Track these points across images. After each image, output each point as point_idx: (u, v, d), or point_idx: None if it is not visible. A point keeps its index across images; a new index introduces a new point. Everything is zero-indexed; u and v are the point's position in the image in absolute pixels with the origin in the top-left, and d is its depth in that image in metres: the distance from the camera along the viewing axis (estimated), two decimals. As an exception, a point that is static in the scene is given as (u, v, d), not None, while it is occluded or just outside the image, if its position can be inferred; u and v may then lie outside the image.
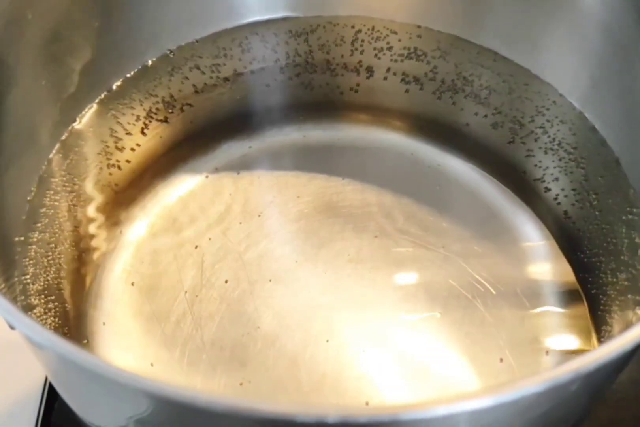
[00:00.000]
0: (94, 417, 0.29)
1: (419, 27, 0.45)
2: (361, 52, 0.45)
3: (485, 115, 0.42)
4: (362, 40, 0.45)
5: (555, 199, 0.39)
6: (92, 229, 0.39)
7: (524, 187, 0.40)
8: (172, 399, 0.19)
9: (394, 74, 0.44)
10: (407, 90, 0.44)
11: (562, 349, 0.35)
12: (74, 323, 0.36)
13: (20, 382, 0.38)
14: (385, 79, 0.45)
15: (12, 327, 0.22)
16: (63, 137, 0.40)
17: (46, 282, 0.36)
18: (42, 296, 0.35)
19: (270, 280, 0.38)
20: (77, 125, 0.41)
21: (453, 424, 0.21)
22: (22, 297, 0.34)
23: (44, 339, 0.21)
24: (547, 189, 0.40)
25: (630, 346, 0.20)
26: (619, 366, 0.26)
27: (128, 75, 0.43)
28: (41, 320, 0.34)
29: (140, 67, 0.44)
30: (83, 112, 0.42)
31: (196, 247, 0.39)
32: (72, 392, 0.28)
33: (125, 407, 0.24)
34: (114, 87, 0.43)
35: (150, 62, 0.44)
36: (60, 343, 0.21)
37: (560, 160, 0.40)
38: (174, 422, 0.23)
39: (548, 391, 0.20)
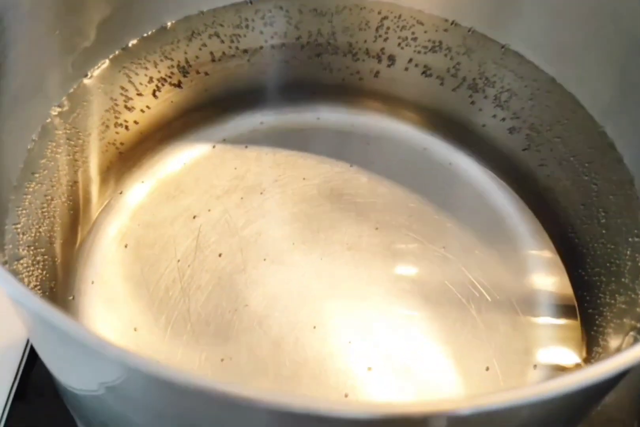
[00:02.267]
0: (67, 378, 0.28)
1: (446, 20, 0.44)
2: (385, 40, 0.44)
3: (503, 119, 0.42)
4: (388, 28, 0.44)
5: (564, 212, 0.39)
6: (91, 186, 0.38)
7: (533, 196, 0.40)
8: (140, 371, 0.19)
9: (416, 65, 0.44)
10: (427, 84, 0.43)
11: (551, 364, 0.35)
12: (62, 278, 0.35)
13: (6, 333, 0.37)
14: (406, 69, 0.44)
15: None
16: (72, 90, 0.39)
17: (37, 234, 0.35)
18: (32, 248, 0.34)
19: (264, 259, 0.37)
20: (87, 80, 0.40)
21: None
22: (10, 246, 0.33)
23: (18, 294, 0.20)
24: (557, 201, 0.39)
25: (614, 372, 0.20)
26: (602, 390, 0.26)
27: (145, 35, 0.42)
28: (28, 271, 0.33)
29: (158, 28, 0.43)
30: (95, 67, 0.40)
31: (194, 217, 0.38)
32: (47, 351, 0.28)
33: (97, 373, 0.23)
34: (130, 45, 0.42)
35: (169, 25, 0.43)
36: (35, 300, 0.20)
37: (573, 173, 0.39)
38: (144, 394, 0.23)
39: (525, 407, 0.19)
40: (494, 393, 0.19)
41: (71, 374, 0.27)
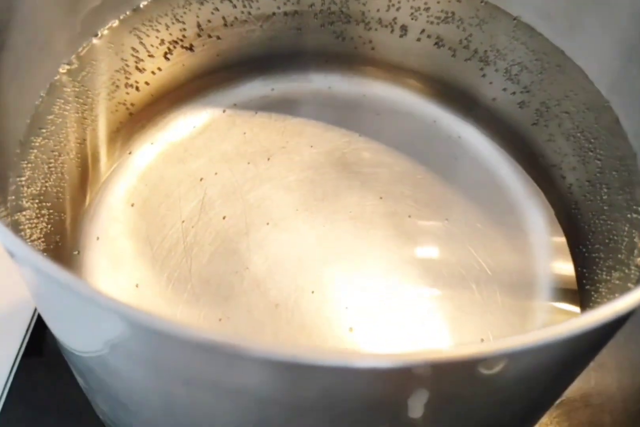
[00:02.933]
0: (71, 340, 0.28)
1: (459, -9, 0.44)
2: (397, 9, 0.44)
3: (514, 93, 0.42)
4: (401, -3, 0.44)
5: (569, 188, 0.39)
6: (100, 144, 0.39)
7: (539, 172, 0.40)
8: (138, 323, 0.19)
9: (428, 36, 0.43)
10: (439, 55, 0.43)
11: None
12: (69, 233, 0.36)
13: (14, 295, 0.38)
14: (418, 40, 0.44)
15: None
16: (81, 49, 0.39)
17: (44, 188, 0.35)
18: (37, 201, 0.34)
19: (267, 223, 0.38)
20: (97, 40, 0.40)
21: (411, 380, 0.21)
22: (13, 197, 0.33)
23: (17, 248, 0.20)
24: (562, 177, 0.39)
25: (596, 324, 0.20)
26: (591, 343, 0.26)
27: (156, -4, 0.42)
28: (31, 223, 0.34)
29: (171, -11, 0.42)
30: (105, 27, 0.40)
31: (201, 179, 0.39)
32: (48, 309, 0.28)
33: (93, 329, 0.23)
34: (141, 6, 0.42)
35: (182, -13, 0.43)
36: (35, 255, 0.20)
37: (580, 148, 0.39)
38: (149, 348, 0.23)
39: (515, 355, 0.19)
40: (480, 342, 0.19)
41: (76, 335, 0.27)
